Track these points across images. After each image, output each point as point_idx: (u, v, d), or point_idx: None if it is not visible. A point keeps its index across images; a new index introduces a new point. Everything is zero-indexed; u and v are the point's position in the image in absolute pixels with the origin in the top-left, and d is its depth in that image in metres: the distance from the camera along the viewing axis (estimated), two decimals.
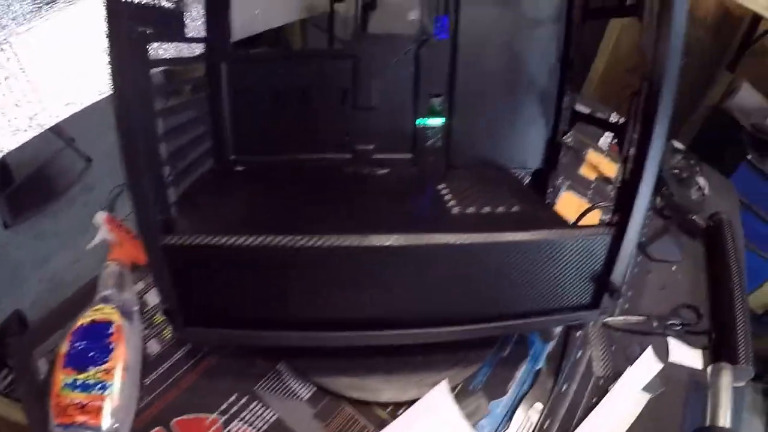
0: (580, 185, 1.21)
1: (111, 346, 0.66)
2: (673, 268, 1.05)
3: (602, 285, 0.62)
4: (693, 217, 1.15)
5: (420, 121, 0.82)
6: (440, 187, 0.76)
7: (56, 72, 0.91)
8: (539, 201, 0.83)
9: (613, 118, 1.48)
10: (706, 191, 1.27)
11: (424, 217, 0.69)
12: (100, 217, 0.82)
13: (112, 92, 0.48)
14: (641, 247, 1.07)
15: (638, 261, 1.04)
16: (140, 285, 0.82)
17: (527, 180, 0.92)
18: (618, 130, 0.65)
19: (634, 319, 0.89)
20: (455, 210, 0.69)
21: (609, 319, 0.88)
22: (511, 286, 0.60)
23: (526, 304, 0.62)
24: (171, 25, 0.69)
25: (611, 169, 1.28)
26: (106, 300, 0.72)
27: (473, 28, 0.80)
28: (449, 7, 0.79)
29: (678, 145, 1.44)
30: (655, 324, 0.89)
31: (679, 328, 0.90)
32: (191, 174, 0.71)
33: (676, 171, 1.28)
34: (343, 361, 0.72)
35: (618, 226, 0.59)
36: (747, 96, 1.99)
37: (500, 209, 0.69)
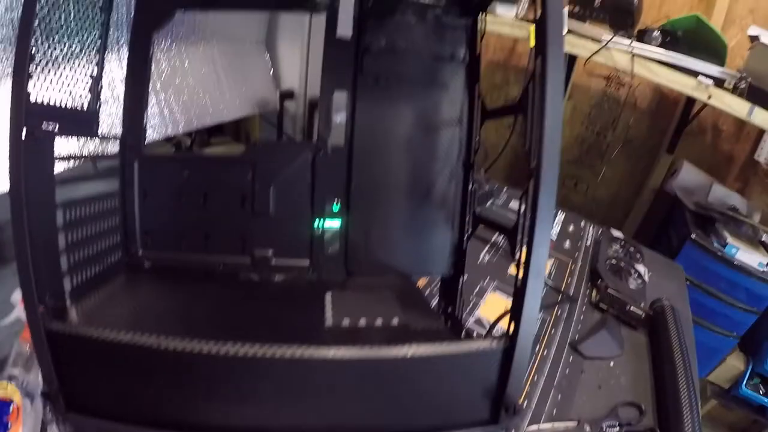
0: (509, 285, 1.19)
1: (8, 425, 0.66)
2: (611, 364, 1.02)
3: (498, 400, 0.57)
4: (631, 308, 1.13)
5: (317, 223, 0.82)
6: (327, 296, 0.74)
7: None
8: (429, 313, 0.80)
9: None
10: (646, 278, 1.26)
11: (293, 329, 0.67)
12: (17, 296, 0.84)
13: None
14: (573, 346, 1.03)
15: (570, 361, 1.00)
16: None
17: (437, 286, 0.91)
18: (509, 233, 0.63)
19: (562, 425, 0.84)
20: (329, 322, 0.67)
21: (532, 427, 0.82)
22: (389, 401, 0.57)
23: (412, 420, 0.58)
24: (81, 123, 0.71)
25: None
26: (11, 378, 0.73)
27: (369, 133, 0.81)
28: (345, 114, 0.81)
29: (617, 234, 1.44)
30: (587, 428, 0.84)
31: (616, 429, 0.86)
32: (96, 265, 0.73)
33: (614, 261, 1.27)
34: None
35: (510, 337, 0.56)
36: (688, 175, 2.06)
37: (378, 322, 0.66)
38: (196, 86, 1.42)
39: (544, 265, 0.54)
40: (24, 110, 0.53)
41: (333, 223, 0.83)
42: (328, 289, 0.77)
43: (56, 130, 0.61)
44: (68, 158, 0.68)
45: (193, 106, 1.40)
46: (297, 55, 1.79)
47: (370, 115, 0.82)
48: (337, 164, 0.82)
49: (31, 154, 0.54)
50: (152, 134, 1.22)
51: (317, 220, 0.83)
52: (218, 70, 1.54)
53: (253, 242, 0.83)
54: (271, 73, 1.86)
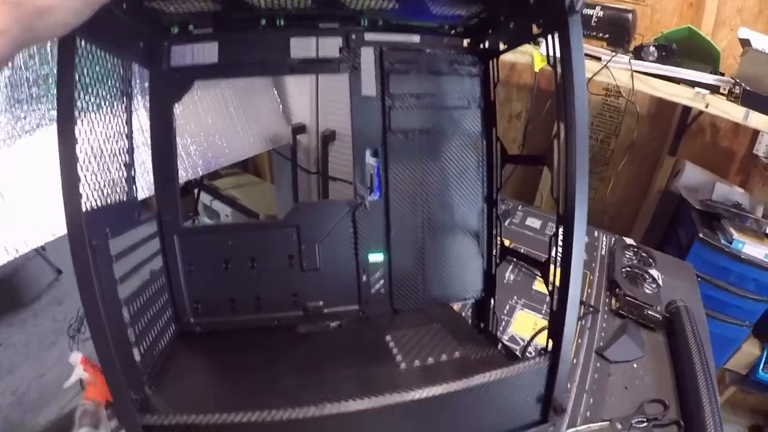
0: (534, 302, 1.27)
1: None
2: (635, 365, 1.10)
3: (547, 403, 0.66)
4: (649, 312, 1.21)
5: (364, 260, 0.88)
6: (387, 339, 0.79)
7: (34, 198, 0.92)
8: (477, 339, 0.86)
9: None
10: (660, 282, 1.34)
11: (378, 377, 0.72)
12: (76, 357, 0.84)
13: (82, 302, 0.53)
14: (599, 353, 1.11)
15: (597, 366, 1.08)
16: (114, 422, 0.79)
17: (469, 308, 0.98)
18: (541, 266, 0.72)
19: (596, 426, 0.93)
20: (403, 366, 0.73)
21: (570, 430, 0.91)
22: (462, 420, 0.64)
23: (480, 429, 0.66)
24: (127, 217, 0.71)
25: None
26: None
27: (402, 183, 0.87)
28: (380, 170, 0.87)
29: (629, 241, 1.53)
30: (619, 426, 0.93)
31: (645, 424, 0.94)
32: (158, 346, 0.73)
33: (629, 269, 1.36)
34: None
35: (552, 352, 0.65)
36: (691, 175, 2.13)
37: (443, 357, 0.74)
38: (211, 128, 1.43)
39: (578, 294, 0.63)
40: (84, 225, 0.54)
41: (377, 258, 0.89)
42: (380, 328, 0.83)
43: (109, 234, 0.62)
44: (120, 255, 0.65)
45: (209, 148, 1.42)
46: (306, 90, 1.84)
47: (402, 167, 0.87)
48: (375, 215, 0.87)
49: (93, 262, 0.55)
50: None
51: (363, 268, 0.88)
52: (231, 111, 1.55)
53: (305, 296, 0.87)
54: (282, 109, 1.88)
